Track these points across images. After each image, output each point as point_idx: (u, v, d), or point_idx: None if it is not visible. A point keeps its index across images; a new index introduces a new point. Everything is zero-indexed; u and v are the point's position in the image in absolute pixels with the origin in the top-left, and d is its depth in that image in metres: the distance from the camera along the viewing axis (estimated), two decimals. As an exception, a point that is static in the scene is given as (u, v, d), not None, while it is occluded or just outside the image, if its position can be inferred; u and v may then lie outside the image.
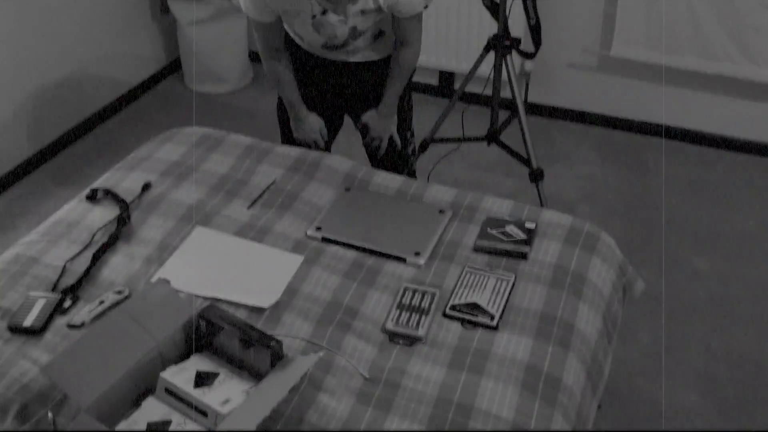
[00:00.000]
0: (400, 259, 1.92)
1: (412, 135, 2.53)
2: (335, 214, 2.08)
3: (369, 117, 2.38)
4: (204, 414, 1.49)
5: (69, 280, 1.88)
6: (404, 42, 2.25)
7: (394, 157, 2.48)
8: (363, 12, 2.10)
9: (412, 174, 2.57)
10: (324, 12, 2.09)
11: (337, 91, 2.40)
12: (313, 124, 2.40)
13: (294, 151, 2.32)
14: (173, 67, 4.23)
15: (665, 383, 2.43)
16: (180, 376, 1.55)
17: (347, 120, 2.54)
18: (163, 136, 2.43)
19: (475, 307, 1.77)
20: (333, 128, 2.53)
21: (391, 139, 2.43)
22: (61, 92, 3.56)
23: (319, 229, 2.01)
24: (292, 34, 2.29)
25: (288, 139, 2.49)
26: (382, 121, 2.38)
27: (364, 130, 2.41)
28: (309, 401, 1.56)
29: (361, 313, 1.78)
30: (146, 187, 2.19)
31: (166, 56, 4.21)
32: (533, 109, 3.75)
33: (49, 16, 3.38)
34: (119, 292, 1.82)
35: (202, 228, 2.03)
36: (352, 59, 2.30)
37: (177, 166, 2.26)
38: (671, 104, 3.51)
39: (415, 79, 3.87)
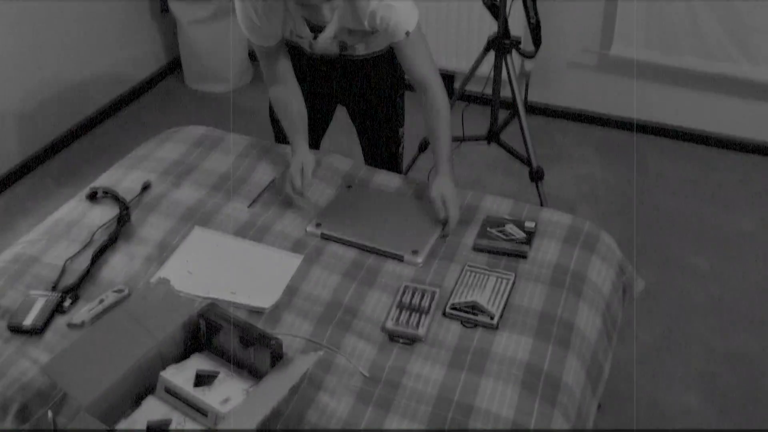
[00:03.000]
0: (398, 257, 1.92)
1: (403, 134, 2.49)
2: (335, 210, 2.08)
3: (440, 187, 2.02)
4: (204, 413, 1.49)
5: (69, 280, 1.88)
6: (422, 85, 2.05)
7: (389, 146, 2.46)
8: (351, 32, 2.06)
9: (399, 161, 2.53)
10: (315, 37, 2.05)
11: (330, 82, 2.35)
12: (293, 165, 2.11)
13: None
14: (173, 67, 4.24)
15: (665, 383, 2.43)
16: (180, 375, 1.55)
17: (339, 114, 2.53)
18: (163, 136, 2.44)
19: (475, 307, 1.77)
20: (324, 122, 2.51)
21: (394, 138, 2.42)
22: (62, 91, 3.56)
23: (318, 225, 2.01)
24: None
25: (282, 138, 2.48)
26: (449, 183, 2.04)
27: (441, 205, 2.02)
28: (309, 400, 1.57)
29: (361, 312, 1.78)
30: (146, 186, 2.19)
31: (166, 56, 4.21)
32: (533, 108, 3.75)
33: (49, 16, 3.38)
34: (119, 292, 1.82)
35: (200, 228, 2.03)
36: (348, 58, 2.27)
37: (177, 166, 2.26)
38: (671, 104, 3.52)
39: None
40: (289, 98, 2.19)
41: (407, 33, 1.98)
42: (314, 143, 2.56)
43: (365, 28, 2.03)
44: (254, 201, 2.12)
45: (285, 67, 2.17)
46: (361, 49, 2.22)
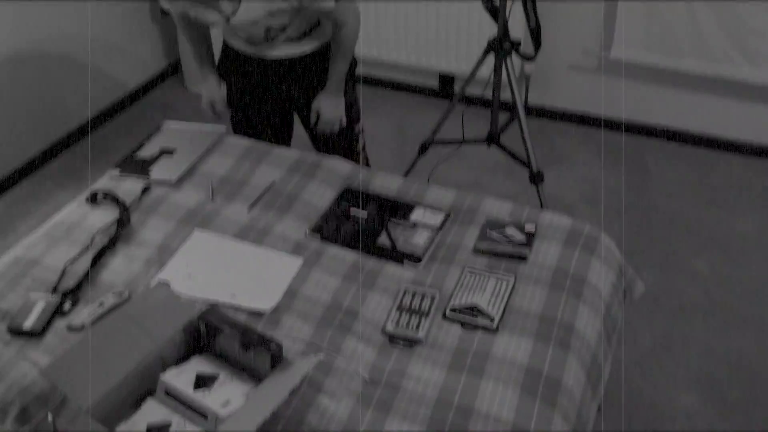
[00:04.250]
0: (399, 261, 1.93)
1: (362, 129, 2.54)
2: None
3: (319, 101, 2.37)
4: (204, 416, 1.49)
5: (69, 282, 1.88)
6: (339, 23, 2.22)
7: (342, 141, 2.49)
8: (271, 13, 2.08)
9: (357, 158, 2.56)
10: (231, 14, 2.07)
11: (277, 91, 2.40)
12: (208, 90, 2.44)
13: (293, 153, 2.32)
14: (173, 69, 4.24)
15: (665, 384, 2.43)
16: (180, 378, 1.55)
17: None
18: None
19: (474, 309, 1.77)
20: (286, 130, 2.58)
21: (349, 134, 2.46)
22: (62, 94, 3.56)
23: (316, 230, 2.02)
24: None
25: (237, 128, 2.54)
26: (332, 101, 2.37)
27: (315, 117, 2.40)
28: (309, 403, 1.57)
29: (361, 315, 1.78)
30: (146, 189, 2.19)
31: (166, 58, 4.21)
32: (533, 110, 3.75)
33: (49, 18, 3.39)
34: (119, 294, 1.82)
35: (200, 231, 2.03)
36: (283, 54, 2.30)
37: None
38: (671, 106, 3.52)
39: (416, 81, 3.94)
40: (196, 34, 2.36)
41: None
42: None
43: (290, 4, 2.05)
44: (254, 203, 2.12)
45: (201, 31, 2.36)
46: (291, 32, 2.24)
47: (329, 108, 2.37)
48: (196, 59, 2.42)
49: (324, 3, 2.08)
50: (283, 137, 2.58)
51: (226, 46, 2.39)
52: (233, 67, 2.39)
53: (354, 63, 2.40)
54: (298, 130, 2.59)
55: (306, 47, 2.30)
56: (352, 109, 2.46)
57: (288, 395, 1.50)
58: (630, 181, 3.33)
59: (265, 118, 2.47)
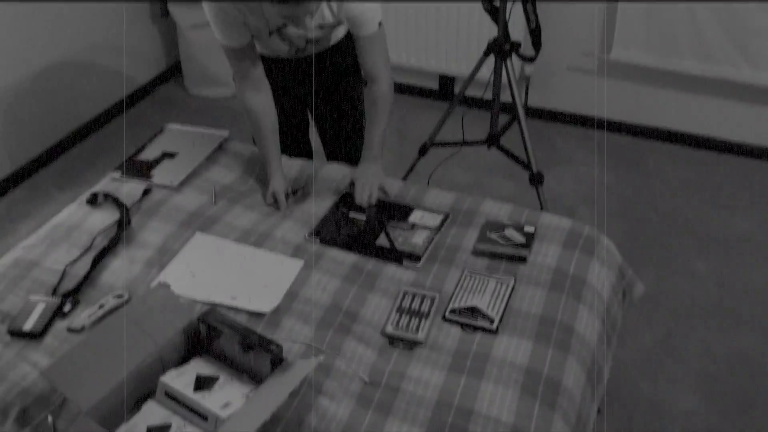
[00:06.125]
0: (399, 261, 1.93)
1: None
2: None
3: (359, 174, 2.17)
4: (204, 418, 1.49)
5: (69, 284, 1.88)
6: (373, 77, 2.11)
7: (352, 150, 2.46)
8: (321, 27, 2.09)
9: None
10: (282, 26, 2.06)
11: (295, 83, 2.35)
12: (274, 186, 2.16)
13: (294, 161, 2.32)
14: (173, 71, 4.24)
15: (665, 385, 2.43)
16: (180, 379, 1.55)
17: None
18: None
19: (474, 311, 1.77)
20: (303, 125, 2.53)
21: (358, 130, 2.40)
22: (62, 96, 3.57)
23: (315, 234, 2.02)
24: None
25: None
26: (371, 167, 2.18)
27: (352, 188, 2.19)
28: (309, 405, 1.57)
29: (361, 316, 1.79)
30: (146, 191, 2.19)
31: (167, 60, 4.21)
32: (533, 112, 3.76)
33: (49, 21, 3.39)
34: (119, 297, 1.82)
35: (201, 234, 2.03)
36: (309, 52, 2.28)
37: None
38: (671, 107, 3.52)
39: (416, 82, 3.94)
40: (263, 110, 2.16)
41: (379, 24, 2.04)
42: (304, 148, 2.56)
43: (336, 21, 2.04)
44: (294, 193, 2.12)
45: (259, 72, 2.13)
46: (323, 44, 2.24)
47: (367, 172, 2.16)
48: (263, 151, 2.20)
49: (367, 26, 2.03)
50: (303, 131, 2.54)
51: None
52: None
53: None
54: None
55: (323, 48, 2.28)
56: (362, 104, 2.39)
57: (288, 397, 1.51)
58: (630, 183, 3.33)
59: (283, 113, 2.37)
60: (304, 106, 2.49)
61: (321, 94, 2.40)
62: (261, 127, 2.16)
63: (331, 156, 2.54)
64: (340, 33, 2.27)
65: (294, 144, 2.50)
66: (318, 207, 2.13)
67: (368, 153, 2.19)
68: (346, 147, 2.48)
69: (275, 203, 2.15)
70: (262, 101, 2.15)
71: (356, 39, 2.07)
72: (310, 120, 2.56)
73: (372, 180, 2.14)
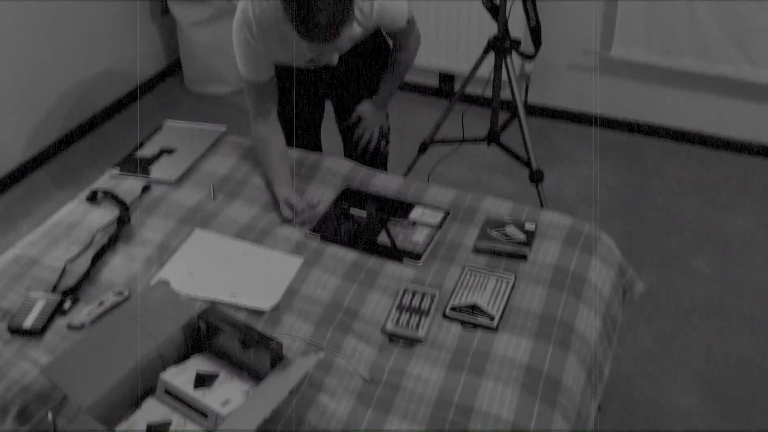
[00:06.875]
0: (399, 259, 1.93)
1: (389, 128, 2.56)
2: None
3: (363, 108, 2.41)
4: (204, 415, 1.49)
5: (69, 281, 1.88)
6: (401, 46, 2.29)
7: (372, 153, 2.50)
8: (351, 38, 2.09)
9: (386, 167, 2.63)
10: (310, 61, 2.13)
11: (317, 78, 2.37)
12: (286, 195, 2.10)
13: (293, 153, 2.32)
14: (173, 68, 4.24)
15: (665, 384, 2.43)
16: (180, 377, 1.55)
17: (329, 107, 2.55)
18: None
19: (475, 308, 1.77)
20: (317, 117, 2.54)
21: (380, 133, 2.46)
22: (62, 93, 3.56)
23: (314, 231, 2.02)
24: None
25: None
26: (375, 112, 2.42)
27: (355, 122, 2.42)
28: (309, 402, 1.57)
29: (361, 314, 1.79)
30: (146, 188, 2.19)
31: (166, 57, 4.21)
32: (533, 110, 3.75)
33: (49, 18, 3.39)
34: (119, 294, 1.82)
35: (201, 230, 2.03)
36: None
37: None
38: (671, 105, 3.52)
39: (416, 80, 3.94)
40: (272, 137, 2.19)
41: (408, 21, 2.17)
42: (314, 141, 2.56)
43: (367, 30, 2.07)
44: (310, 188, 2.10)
45: (272, 104, 2.18)
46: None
47: (371, 114, 2.41)
48: (271, 174, 2.16)
49: (398, 24, 2.16)
50: (315, 125, 2.55)
51: None
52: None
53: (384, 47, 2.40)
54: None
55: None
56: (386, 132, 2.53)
57: (288, 394, 1.51)
58: (630, 181, 3.33)
59: (300, 106, 2.39)
60: (319, 102, 2.50)
61: (341, 92, 2.43)
62: (270, 152, 2.18)
63: (348, 153, 2.56)
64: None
65: (305, 138, 2.49)
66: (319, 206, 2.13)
67: (378, 99, 2.40)
68: (371, 151, 2.49)
69: (291, 212, 2.07)
70: (270, 128, 2.20)
71: (391, 33, 2.25)
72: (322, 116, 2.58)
73: (375, 122, 2.38)
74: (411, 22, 2.22)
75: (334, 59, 2.00)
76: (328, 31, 1.77)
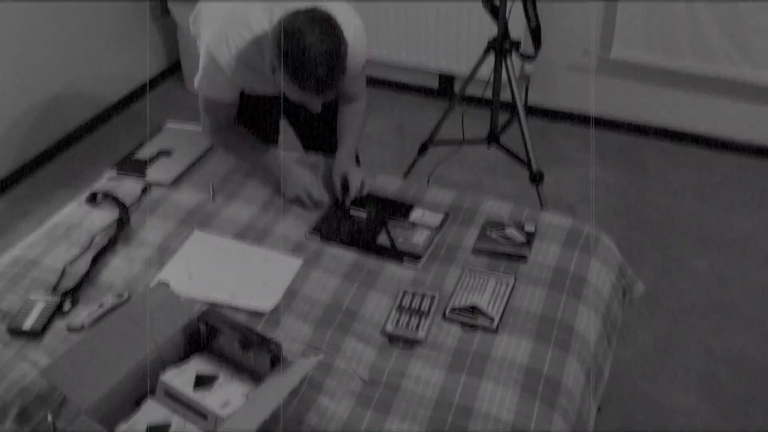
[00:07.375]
0: (399, 260, 1.93)
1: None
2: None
3: (343, 168, 2.17)
4: (203, 416, 1.49)
5: (68, 283, 1.88)
6: (353, 98, 2.22)
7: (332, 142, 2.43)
8: None
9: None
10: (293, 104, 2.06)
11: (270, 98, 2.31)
12: (298, 178, 2.14)
13: (294, 154, 2.32)
14: (173, 70, 4.24)
15: (665, 385, 2.43)
16: (180, 378, 1.55)
17: None
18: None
19: (474, 310, 1.77)
20: (274, 128, 2.51)
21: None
22: (62, 95, 3.56)
23: (315, 231, 2.02)
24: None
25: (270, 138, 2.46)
26: (353, 166, 2.21)
27: (342, 187, 2.17)
28: (309, 403, 1.56)
29: (361, 315, 1.78)
30: (146, 189, 2.19)
31: (166, 58, 4.21)
32: (533, 111, 3.75)
33: (49, 19, 3.39)
34: (119, 296, 1.82)
35: (200, 232, 2.03)
36: None
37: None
38: (671, 106, 3.52)
39: (415, 81, 3.94)
40: (238, 128, 2.19)
41: (363, 66, 2.12)
42: (274, 136, 2.54)
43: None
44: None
45: (232, 117, 2.18)
46: None
47: (352, 170, 2.16)
48: (256, 153, 2.20)
49: (358, 67, 2.10)
50: (270, 135, 2.50)
51: None
52: None
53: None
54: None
55: None
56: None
57: (288, 395, 1.50)
58: (630, 181, 3.33)
59: (259, 113, 2.35)
60: (276, 121, 2.48)
61: (300, 116, 2.40)
62: (246, 134, 2.18)
63: (307, 146, 2.55)
64: None
65: (264, 131, 2.42)
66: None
67: (341, 153, 2.20)
68: (323, 137, 2.46)
69: (298, 202, 2.08)
70: (231, 129, 2.21)
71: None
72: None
73: (358, 172, 2.16)
74: (365, 67, 2.15)
75: (318, 107, 1.94)
76: (326, 84, 1.77)
